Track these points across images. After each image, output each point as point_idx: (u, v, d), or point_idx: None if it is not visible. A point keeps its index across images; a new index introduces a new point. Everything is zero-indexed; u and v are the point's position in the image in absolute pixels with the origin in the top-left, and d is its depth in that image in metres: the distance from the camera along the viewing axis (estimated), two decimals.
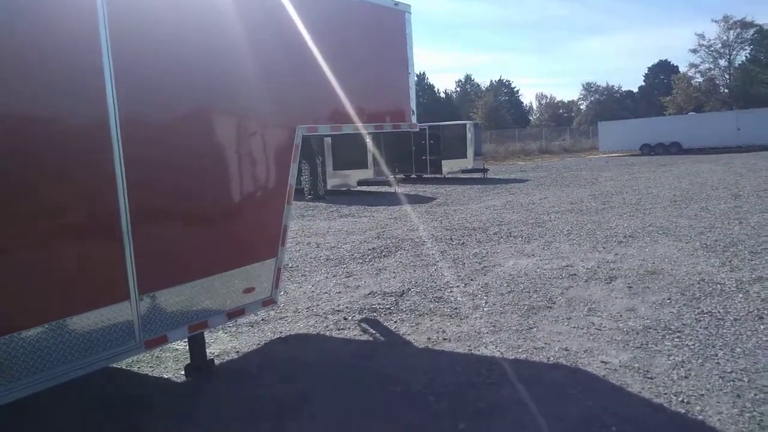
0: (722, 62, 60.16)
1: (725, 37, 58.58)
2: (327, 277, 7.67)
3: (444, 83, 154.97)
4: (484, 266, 7.78)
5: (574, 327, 5.11)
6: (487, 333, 5.10)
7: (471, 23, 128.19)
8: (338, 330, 5.45)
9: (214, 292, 3.95)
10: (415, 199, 18.00)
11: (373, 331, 5.38)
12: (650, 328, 4.93)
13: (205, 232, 3.95)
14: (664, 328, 4.93)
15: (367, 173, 20.83)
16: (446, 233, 10.82)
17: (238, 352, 5.05)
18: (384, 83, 5.55)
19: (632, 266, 7.22)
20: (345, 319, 5.77)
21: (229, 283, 4.05)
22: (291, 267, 8.53)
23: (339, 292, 6.83)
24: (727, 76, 60.52)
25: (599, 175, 23.03)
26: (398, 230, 11.58)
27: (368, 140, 20.57)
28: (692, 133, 35.78)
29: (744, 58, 60.42)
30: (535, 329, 5.13)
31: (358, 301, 6.39)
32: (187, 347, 4.48)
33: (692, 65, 60.98)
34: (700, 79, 60.86)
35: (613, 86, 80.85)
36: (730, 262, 7.13)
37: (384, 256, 8.98)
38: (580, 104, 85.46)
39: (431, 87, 79.56)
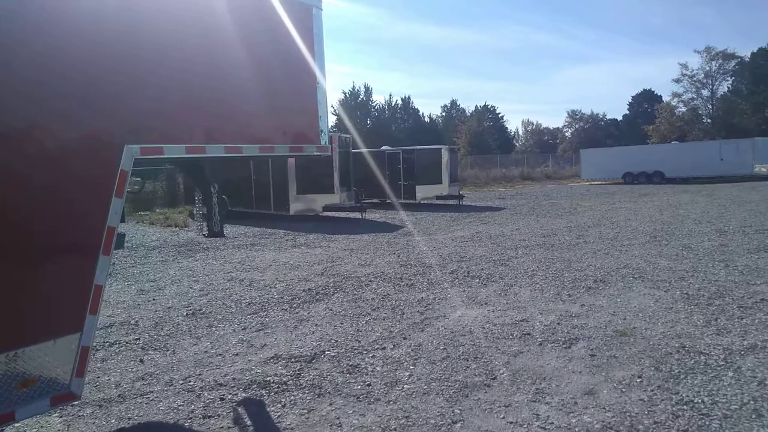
0: (705, 92, 60.20)
1: (708, 68, 58.70)
2: (235, 330, 6.35)
3: (430, 108, 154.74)
4: (426, 318, 6.50)
5: (512, 422, 3.83)
6: (395, 429, 3.80)
7: (455, 48, 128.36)
8: (205, 417, 4.11)
9: None
10: (380, 228, 16.77)
11: (249, 422, 4.06)
12: (611, 428, 3.67)
13: None
14: (630, 427, 3.67)
15: (334, 198, 19.50)
16: (399, 270, 9.56)
17: None
18: (277, 94, 4.32)
19: (599, 323, 5.98)
20: (222, 399, 4.43)
21: None
22: (203, 312, 7.19)
23: (237, 354, 5.50)
24: (710, 106, 60.52)
25: (578, 204, 21.99)
26: (348, 265, 10.31)
27: (335, 162, 19.36)
28: (675, 162, 35.07)
29: (726, 89, 60.55)
30: (459, 425, 3.83)
31: (253, 368, 5.07)
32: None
33: (675, 95, 60.91)
34: (684, 109, 60.76)
35: (597, 114, 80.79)
36: (716, 320, 5.92)
37: (317, 300, 7.67)
38: (565, 131, 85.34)
39: (416, 111, 79.05)
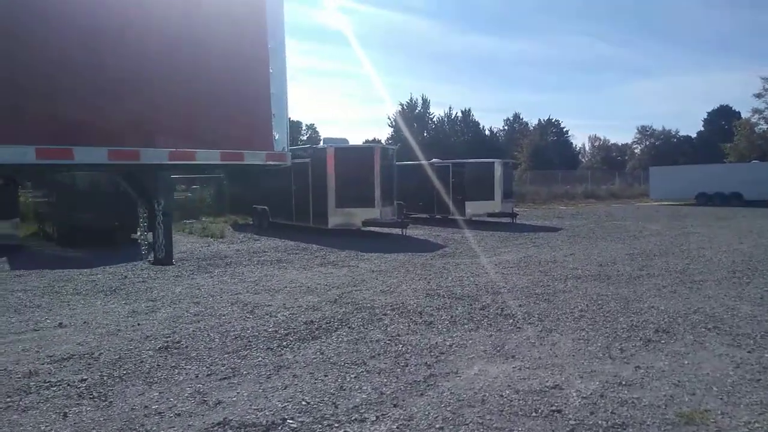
0: None
1: None
2: (198, 376, 5.23)
3: (491, 121, 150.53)
4: (432, 374, 5.18)
5: None
6: None
7: (518, 61, 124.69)
8: None
9: None
10: (419, 246, 15.49)
11: None
12: None
13: None
14: None
15: (374, 212, 18.28)
16: (422, 302, 8.26)
17: None
18: (203, 81, 3.19)
19: (657, 399, 4.49)
20: None
21: None
22: (178, 347, 6.16)
23: (179, 414, 4.36)
24: None
25: (644, 227, 19.93)
26: (368, 291, 9.10)
27: (376, 175, 18.18)
28: (756, 183, 31.89)
29: None
30: None
31: None
32: None
33: (756, 111, 56.36)
34: (765, 126, 56.21)
35: (669, 130, 76.47)
36: None
37: (313, 337, 6.49)
38: (634, 148, 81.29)
39: (476, 124, 76.99)
